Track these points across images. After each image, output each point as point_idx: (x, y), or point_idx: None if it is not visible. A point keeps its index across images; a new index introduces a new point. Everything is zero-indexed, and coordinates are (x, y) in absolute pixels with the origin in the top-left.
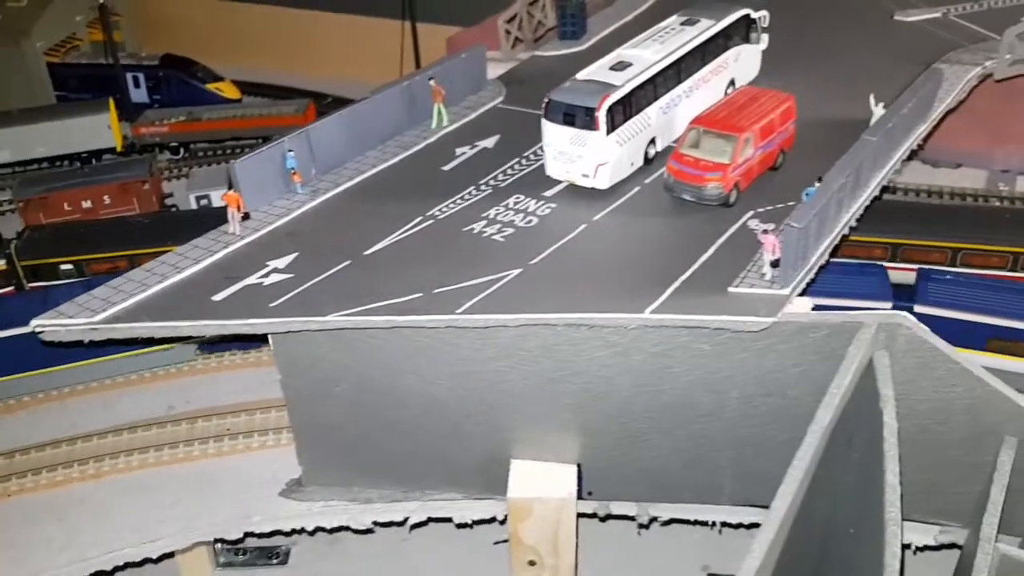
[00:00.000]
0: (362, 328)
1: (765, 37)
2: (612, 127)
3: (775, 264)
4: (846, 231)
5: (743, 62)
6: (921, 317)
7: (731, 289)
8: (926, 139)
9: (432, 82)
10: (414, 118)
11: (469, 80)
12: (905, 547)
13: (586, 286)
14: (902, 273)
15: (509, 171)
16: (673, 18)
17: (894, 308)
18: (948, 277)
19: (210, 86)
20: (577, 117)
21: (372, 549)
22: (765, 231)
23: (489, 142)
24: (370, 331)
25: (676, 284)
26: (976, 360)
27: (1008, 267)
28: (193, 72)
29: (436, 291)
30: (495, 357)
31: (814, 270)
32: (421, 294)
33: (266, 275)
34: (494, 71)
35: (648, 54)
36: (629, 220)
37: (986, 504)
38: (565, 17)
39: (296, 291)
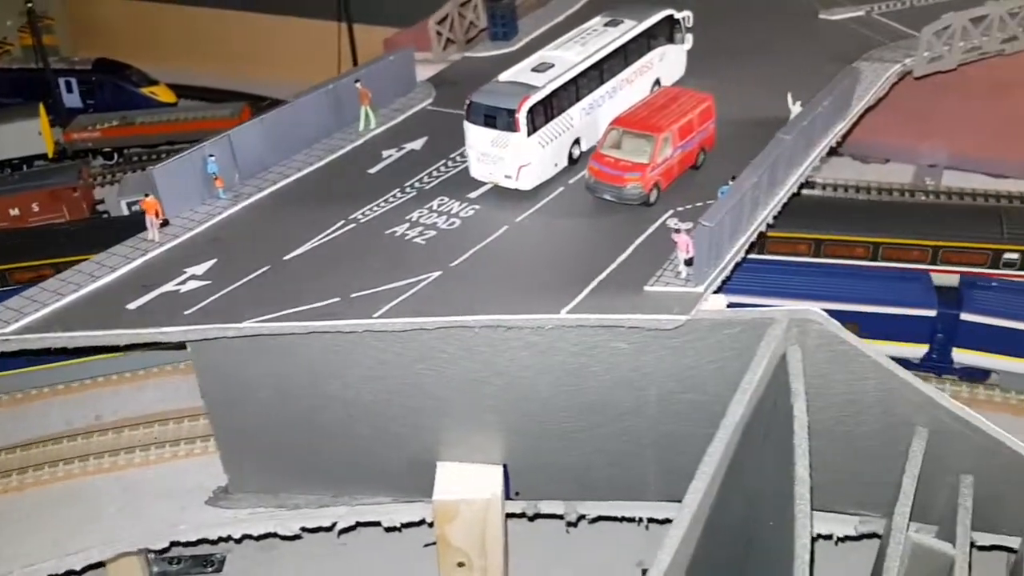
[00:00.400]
0: (279, 334)
1: (689, 37)
2: (533, 128)
3: (689, 263)
4: (763, 228)
5: (668, 62)
6: (967, 325)
7: (647, 288)
8: (846, 136)
9: (358, 84)
10: (341, 121)
11: (398, 82)
12: (827, 537)
13: (505, 287)
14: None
15: (435, 173)
16: (596, 19)
17: (938, 315)
18: (994, 284)
19: (144, 90)
20: (498, 119)
21: (307, 554)
22: (678, 230)
23: (416, 144)
24: (288, 337)
25: (593, 284)
26: (1020, 367)
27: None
28: (127, 76)
29: (354, 295)
30: (416, 360)
31: (729, 267)
32: (339, 298)
33: (183, 282)
34: (425, 73)
35: (570, 55)
36: (551, 221)
37: (898, 494)
38: (495, 18)
39: (213, 298)
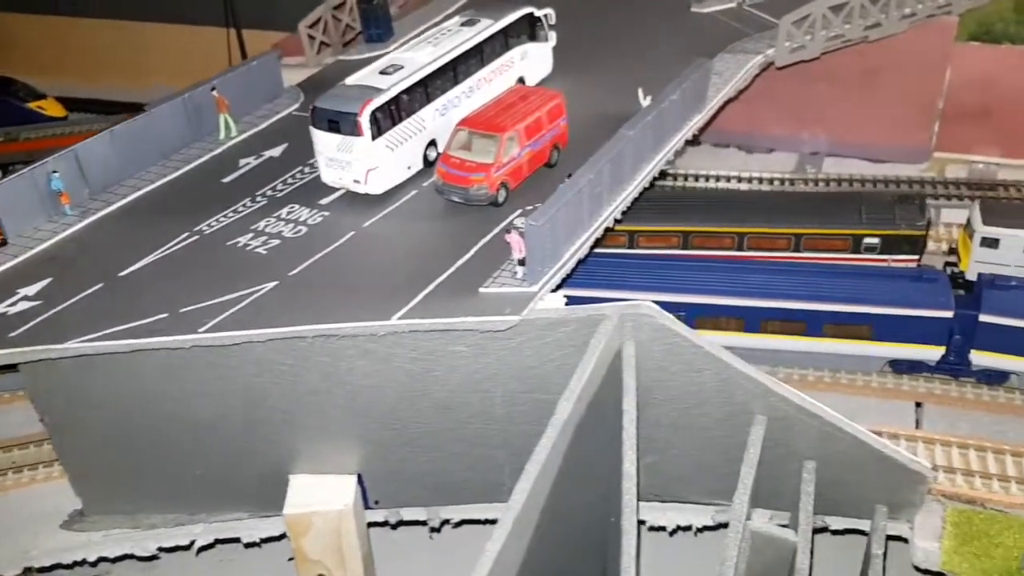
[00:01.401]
0: (103, 353)
1: (553, 35)
2: (379, 132)
3: (522, 262)
4: (610, 224)
5: (531, 60)
6: (984, 326)
7: (482, 290)
8: (705, 127)
9: (214, 92)
10: (200, 130)
11: (263, 88)
12: (686, 528)
13: (341, 295)
14: None
15: (290, 180)
16: (454, 19)
17: (955, 316)
18: (1013, 284)
19: (31, 104)
20: (341, 123)
21: (189, 571)
22: (509, 230)
23: (276, 151)
24: (118, 355)
25: (430, 288)
26: None
27: (791, 247)
28: (12, 91)
29: (184, 310)
30: (255, 374)
31: (569, 265)
32: (167, 314)
33: (13, 303)
34: (298, 77)
35: (420, 56)
36: (399, 225)
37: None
38: (368, 20)
39: (42, 318)
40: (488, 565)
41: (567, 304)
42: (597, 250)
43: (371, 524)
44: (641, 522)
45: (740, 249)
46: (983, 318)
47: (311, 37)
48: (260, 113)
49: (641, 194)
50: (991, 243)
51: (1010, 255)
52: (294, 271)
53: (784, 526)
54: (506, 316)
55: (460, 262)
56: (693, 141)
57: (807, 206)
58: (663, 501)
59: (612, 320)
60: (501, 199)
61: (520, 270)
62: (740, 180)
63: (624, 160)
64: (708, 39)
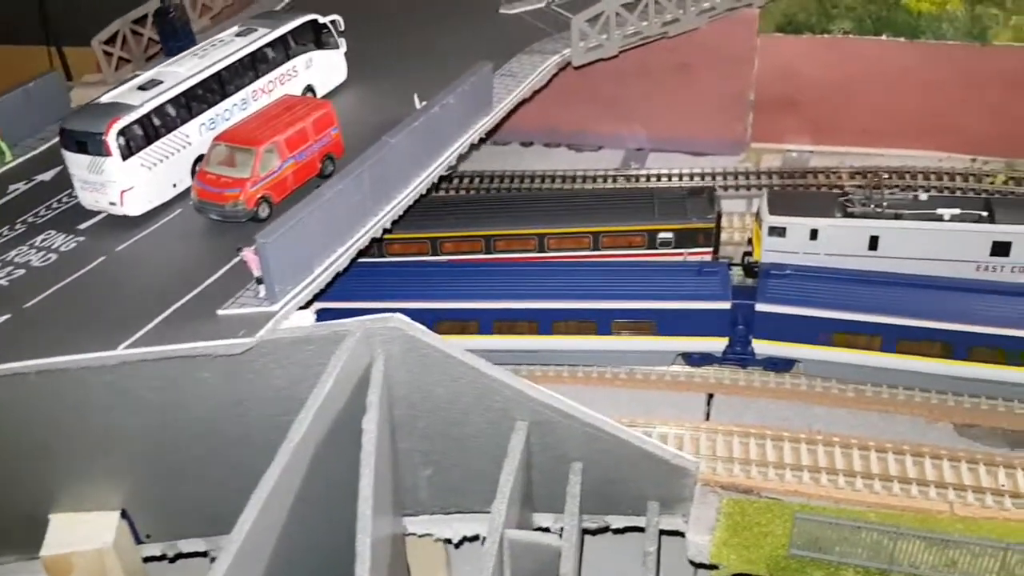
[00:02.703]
0: None
1: (343, 41)
2: (131, 151)
3: (260, 280)
4: (378, 234)
5: (319, 68)
6: (762, 315)
7: (220, 312)
8: (495, 129)
9: None
10: None
11: (47, 109)
12: (472, 539)
13: (76, 325)
14: None
15: (55, 205)
16: (229, 30)
17: (734, 308)
18: (788, 272)
19: None
20: (89, 144)
21: None
22: (241, 248)
23: (48, 175)
24: None
25: (167, 313)
26: (823, 355)
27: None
28: None
29: None
30: None
31: (322, 280)
32: None
33: None
34: (92, 95)
35: (183, 69)
36: (154, 247)
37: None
38: (167, 33)
39: None
40: None
41: (321, 319)
42: (397, 260)
43: (149, 559)
44: (427, 534)
45: (542, 251)
46: (759, 308)
47: (107, 53)
48: (41, 135)
49: (424, 200)
50: (779, 232)
51: (797, 242)
52: (31, 303)
53: None
54: (239, 339)
55: (206, 283)
56: (481, 142)
57: (606, 204)
58: (447, 513)
59: (355, 335)
60: (263, 215)
61: (260, 289)
62: (543, 180)
63: (389, 167)
64: (511, 41)
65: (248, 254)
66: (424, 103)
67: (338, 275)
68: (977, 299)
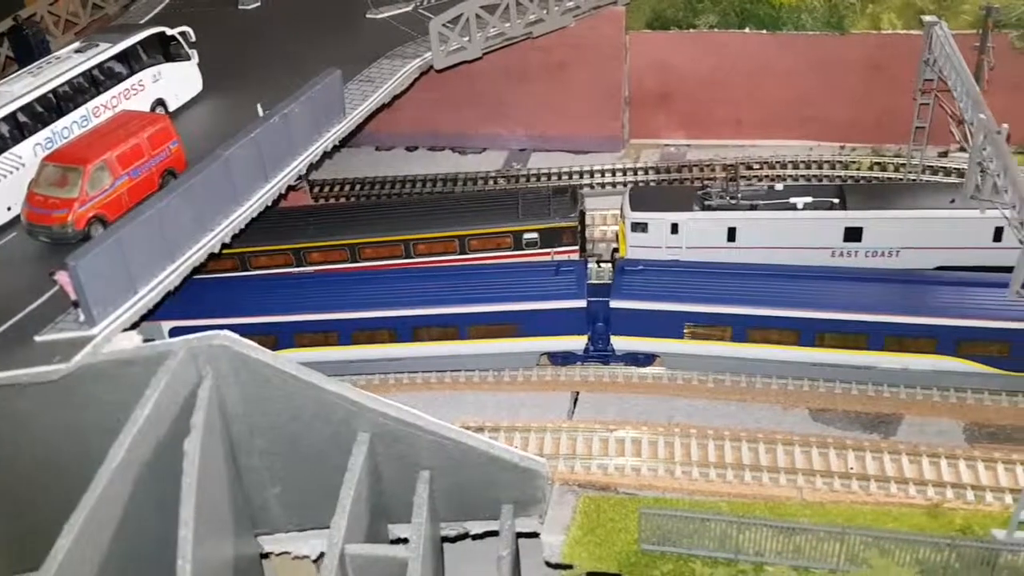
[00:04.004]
0: None
1: (195, 53)
2: None
3: (77, 304)
4: (216, 249)
5: (170, 81)
6: (617, 312)
7: (38, 338)
8: (356, 131)
9: None
10: None
11: None
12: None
13: None
14: None
15: None
16: (68, 47)
17: (589, 306)
18: (640, 267)
19: None
20: None
21: None
22: (53, 271)
23: None
24: None
25: None
26: (680, 348)
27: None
28: None
29: None
30: None
31: (150, 299)
32: None
33: None
34: None
35: (15, 88)
36: None
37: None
38: (21, 50)
39: None
40: None
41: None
42: (261, 273)
43: None
44: (285, 552)
45: (409, 257)
46: (614, 304)
47: None
48: None
49: (292, 211)
50: (641, 227)
51: (660, 237)
52: None
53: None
54: (52, 365)
55: (28, 309)
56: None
57: (472, 207)
58: (303, 530)
59: (178, 356)
60: (96, 235)
61: (78, 312)
62: (410, 184)
63: (226, 180)
64: (376, 46)
65: (62, 277)
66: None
67: (199, 292)
68: (822, 286)
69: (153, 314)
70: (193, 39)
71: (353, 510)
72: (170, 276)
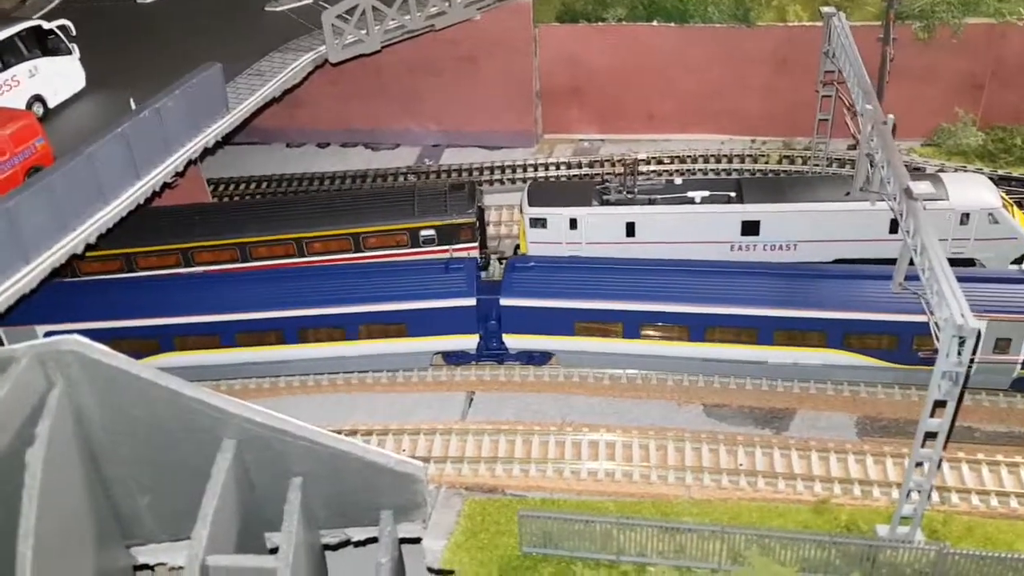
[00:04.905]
0: None
1: (75, 47)
2: None
3: None
4: (78, 250)
5: (48, 77)
6: (508, 310)
7: None
8: (237, 131)
9: None
10: None
11: None
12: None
13: None
14: None
15: None
16: None
17: (479, 303)
18: (531, 264)
19: None
20: None
21: None
22: None
23: None
24: None
25: None
26: (572, 345)
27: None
28: None
29: None
30: None
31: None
32: None
33: None
34: None
35: None
36: None
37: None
38: None
39: None
40: None
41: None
42: (146, 275)
43: None
44: (161, 564)
45: (302, 256)
46: (504, 302)
47: None
48: None
49: (178, 209)
50: (540, 223)
51: (559, 233)
52: None
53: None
54: None
55: None
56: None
57: (367, 204)
58: (177, 539)
59: (21, 363)
60: None
61: None
62: (306, 181)
63: (86, 178)
64: (268, 39)
65: None
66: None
67: (79, 294)
68: (712, 280)
69: (9, 317)
70: (74, 33)
71: (217, 519)
72: (24, 278)
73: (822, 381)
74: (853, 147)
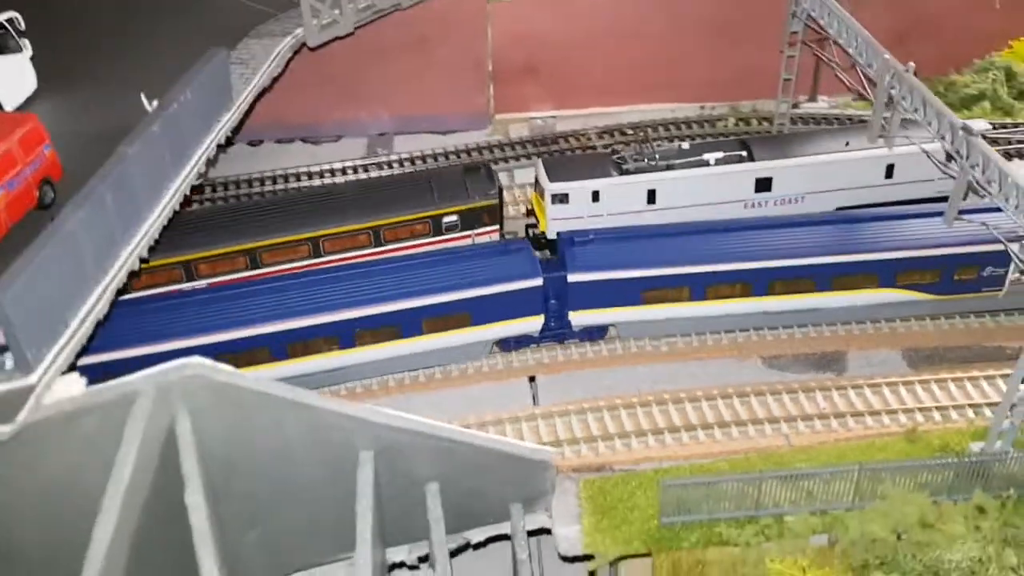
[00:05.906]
0: None
1: (27, 43)
2: None
3: (4, 349)
4: (136, 265)
5: (0, 79)
6: (575, 286)
7: None
8: (239, 125)
9: None
10: None
11: None
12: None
13: None
14: None
15: None
16: None
17: (546, 283)
18: (591, 237)
19: None
20: None
21: None
22: None
23: None
24: None
25: None
26: (638, 315)
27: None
28: None
29: None
30: None
31: (82, 333)
32: None
33: None
34: None
35: None
36: None
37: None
38: None
39: None
40: None
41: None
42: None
43: None
44: None
45: (317, 256)
46: (572, 278)
47: None
48: None
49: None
50: (561, 198)
51: (581, 208)
52: None
53: (424, 558)
54: None
55: None
56: (227, 143)
57: (380, 195)
58: (285, 574)
59: (149, 394)
60: None
61: (6, 358)
62: (307, 177)
63: (134, 183)
64: (231, 25)
65: None
66: (155, 102)
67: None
68: (771, 236)
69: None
70: (23, 27)
71: (373, 539)
72: (99, 302)
73: (863, 321)
74: (795, 105)
